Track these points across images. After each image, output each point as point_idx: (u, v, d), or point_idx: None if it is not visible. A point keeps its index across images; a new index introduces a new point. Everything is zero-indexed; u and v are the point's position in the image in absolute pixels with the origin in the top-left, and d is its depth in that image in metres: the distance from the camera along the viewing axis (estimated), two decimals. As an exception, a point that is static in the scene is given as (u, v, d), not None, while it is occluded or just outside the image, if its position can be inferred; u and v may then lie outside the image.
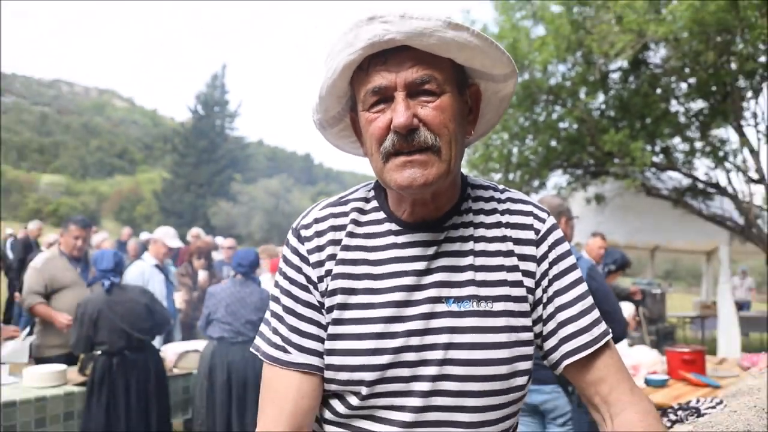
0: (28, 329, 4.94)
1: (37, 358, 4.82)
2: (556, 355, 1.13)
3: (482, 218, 1.16)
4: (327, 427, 1.15)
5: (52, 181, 63.43)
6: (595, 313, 1.14)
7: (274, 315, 1.16)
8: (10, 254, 11.28)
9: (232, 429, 4.43)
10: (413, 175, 1.01)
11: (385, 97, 1.02)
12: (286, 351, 1.11)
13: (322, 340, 1.12)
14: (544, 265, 1.14)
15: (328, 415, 1.15)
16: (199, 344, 5.07)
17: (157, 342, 5.19)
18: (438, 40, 0.97)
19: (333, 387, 1.11)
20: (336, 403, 1.13)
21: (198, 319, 6.18)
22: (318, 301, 1.13)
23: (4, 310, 10.55)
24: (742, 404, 1.80)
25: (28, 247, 10.59)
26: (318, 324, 1.13)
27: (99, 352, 4.11)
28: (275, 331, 1.14)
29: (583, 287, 1.16)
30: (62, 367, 4.29)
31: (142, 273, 5.84)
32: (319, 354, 1.11)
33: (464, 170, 1.25)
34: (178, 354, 4.93)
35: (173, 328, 6.05)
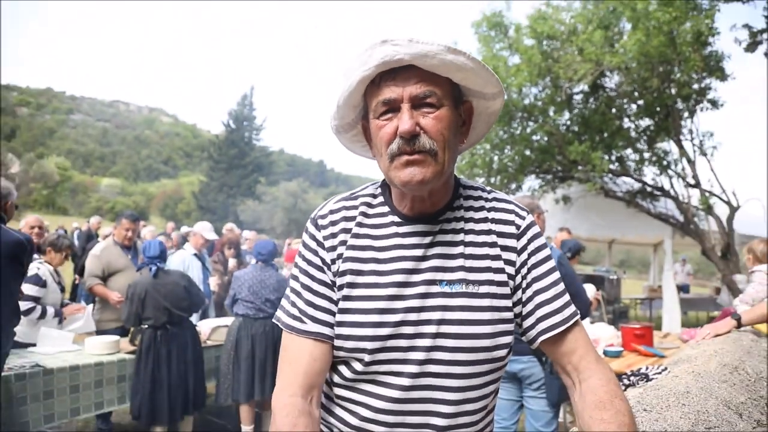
0: (92, 305, 4.95)
1: (97, 330, 4.84)
2: (533, 332, 1.13)
3: (471, 214, 1.16)
4: (336, 390, 1.15)
5: (110, 183, 63.59)
6: (566, 297, 1.15)
7: (293, 291, 1.16)
8: (76, 243, 11.32)
9: (254, 391, 4.42)
10: (413, 173, 1.02)
11: (393, 107, 1.04)
12: (302, 321, 1.12)
13: (333, 313, 1.12)
14: (524, 255, 1.14)
15: (337, 379, 1.15)
16: (229, 320, 5.07)
17: (194, 318, 5.19)
18: (439, 62, 0.99)
19: (341, 354, 1.11)
20: (344, 369, 1.13)
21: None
22: (330, 280, 1.13)
23: (71, 290, 10.59)
24: (683, 370, 1.80)
25: (89, 238, 10.60)
26: (330, 299, 1.13)
27: (146, 326, 4.10)
28: (293, 305, 1.15)
29: (556, 275, 1.16)
30: (116, 337, 4.29)
31: (183, 260, 5.83)
32: (329, 325, 1.11)
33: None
34: (212, 328, 4.92)
35: (208, 307, 6.04)
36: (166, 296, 4.14)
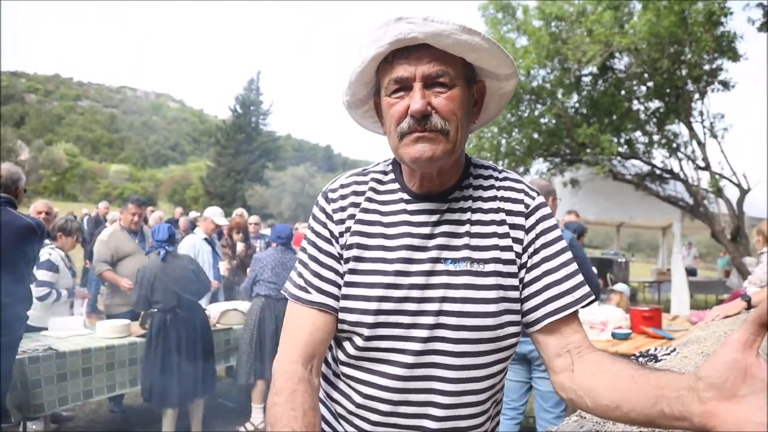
0: (87, 301, 4.91)
1: (108, 314, 4.88)
2: (538, 313, 1.09)
3: (480, 192, 1.14)
4: (342, 368, 1.15)
5: (118, 169, 63.88)
6: (579, 278, 1.11)
7: (301, 262, 1.17)
8: (86, 229, 11.41)
9: None
10: (423, 149, 1.01)
11: (405, 86, 1.02)
12: (307, 291, 1.12)
13: (338, 285, 1.12)
14: (532, 234, 1.12)
15: (341, 356, 1.15)
16: (238, 304, 5.09)
17: (204, 302, 5.22)
18: (453, 41, 0.98)
19: (345, 327, 1.11)
20: (348, 345, 1.13)
21: (237, 283, 6.22)
22: (338, 253, 1.13)
23: (81, 275, 10.71)
24: (692, 351, 1.79)
25: (98, 224, 10.67)
26: (336, 271, 1.13)
27: (155, 310, 4.14)
28: (300, 275, 1.15)
29: (567, 255, 1.13)
30: (127, 321, 4.33)
31: (193, 245, 5.85)
32: (334, 296, 1.11)
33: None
34: (221, 312, 4.96)
35: (218, 291, 6.08)
36: (175, 280, 4.16)
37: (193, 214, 11.12)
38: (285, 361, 1.07)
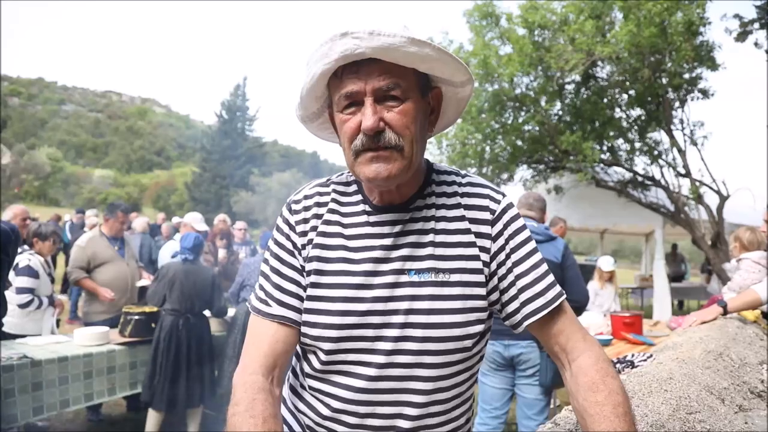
0: (58, 310, 4.82)
1: (86, 322, 4.79)
2: (518, 317, 1.10)
3: (444, 200, 1.13)
4: (308, 381, 1.14)
5: (103, 174, 63.23)
6: (549, 278, 1.11)
7: (263, 274, 1.15)
8: (69, 235, 11.26)
9: None
10: (378, 169, 1.00)
11: (356, 100, 1.00)
12: (267, 304, 1.11)
13: (300, 298, 1.10)
14: (500, 241, 1.11)
15: (307, 369, 1.14)
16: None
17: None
18: (402, 54, 0.95)
19: (307, 341, 1.09)
20: (312, 358, 1.11)
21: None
22: (301, 265, 1.12)
23: (62, 282, 10.56)
24: (667, 357, 1.80)
25: (81, 229, 10.54)
26: (297, 284, 1.11)
27: (167, 310, 4.19)
28: (261, 287, 1.14)
29: (537, 257, 1.12)
30: (105, 328, 4.26)
31: (174, 251, 5.79)
32: (295, 309, 1.10)
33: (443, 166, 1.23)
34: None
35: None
36: (193, 285, 4.24)
37: (176, 219, 10.99)
38: (244, 372, 1.05)
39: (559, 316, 1.09)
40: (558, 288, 1.12)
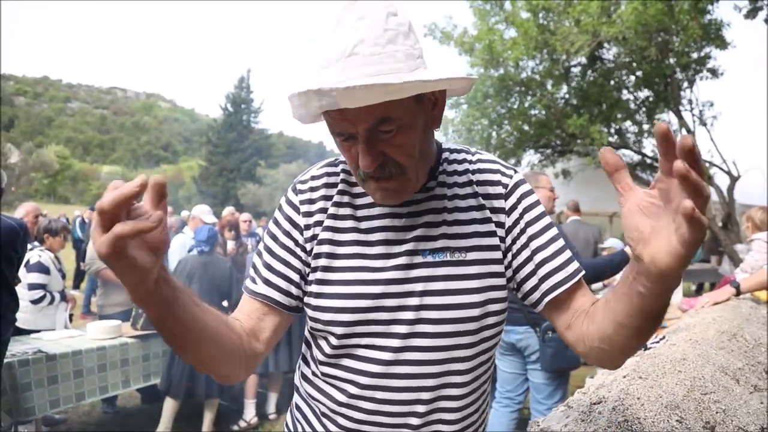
0: (71, 304, 4.85)
1: (100, 315, 4.84)
2: (537, 294, 1.06)
3: (456, 178, 1.11)
4: (321, 368, 1.12)
5: (110, 170, 63.63)
6: (568, 253, 1.07)
7: (257, 252, 1.14)
8: (79, 232, 11.35)
9: (289, 361, 4.55)
10: (384, 196, 1.00)
11: (349, 137, 0.96)
12: (254, 282, 1.10)
13: (290, 280, 1.09)
14: (515, 215, 1.08)
15: (319, 356, 1.12)
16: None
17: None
18: (385, 100, 0.87)
19: (319, 326, 1.08)
20: (323, 344, 1.10)
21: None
22: (300, 245, 1.09)
23: (73, 277, 10.67)
24: (681, 338, 1.79)
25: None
26: (288, 264, 1.09)
27: None
28: (253, 266, 1.13)
29: (554, 231, 1.08)
30: (117, 322, 4.29)
31: (183, 244, 5.82)
32: (281, 290, 1.09)
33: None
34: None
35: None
36: (212, 279, 4.26)
37: (184, 213, 11.04)
38: None
39: (579, 291, 1.05)
40: (576, 263, 1.08)
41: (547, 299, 1.05)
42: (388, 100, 0.87)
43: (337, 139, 0.99)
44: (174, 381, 4.09)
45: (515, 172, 1.13)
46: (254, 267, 1.12)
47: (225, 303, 4.50)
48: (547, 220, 1.09)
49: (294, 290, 1.09)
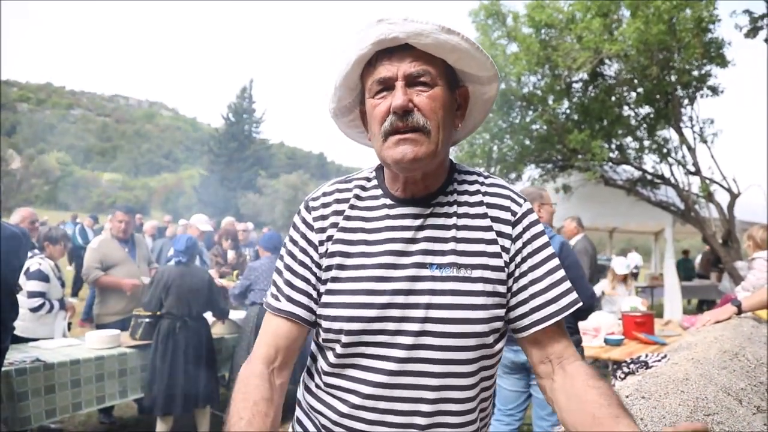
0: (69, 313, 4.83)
1: (97, 324, 4.82)
2: (525, 322, 1.10)
3: (466, 197, 1.14)
4: (325, 378, 1.14)
5: (111, 178, 63.70)
6: (565, 285, 1.11)
7: (277, 270, 1.18)
8: (79, 239, 11.36)
9: None
10: (405, 151, 1.02)
11: (388, 86, 1.04)
12: (278, 299, 1.14)
13: (310, 296, 1.13)
14: (519, 243, 1.11)
15: (323, 366, 1.14)
16: (232, 314, 5.05)
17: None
18: (433, 41, 1.00)
19: (329, 336, 1.10)
20: (329, 354, 1.12)
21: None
22: (315, 262, 1.13)
23: (72, 285, 10.66)
24: (682, 357, 1.78)
25: (94, 233, 10.64)
26: (308, 282, 1.13)
27: (163, 314, 4.17)
28: (274, 284, 1.17)
29: (554, 262, 1.12)
30: (117, 331, 4.28)
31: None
32: (303, 306, 1.13)
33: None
34: (210, 323, 4.93)
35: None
36: (189, 289, 4.21)
37: (182, 221, 11.06)
38: (247, 363, 1.11)
39: (560, 326, 1.11)
40: (574, 295, 1.12)
41: (535, 329, 1.09)
42: (436, 45, 1.01)
43: (373, 93, 1.07)
44: (157, 398, 4.04)
45: (525, 200, 1.17)
46: (275, 285, 1.16)
47: (209, 314, 4.46)
48: (549, 251, 1.13)
49: (314, 306, 1.13)
